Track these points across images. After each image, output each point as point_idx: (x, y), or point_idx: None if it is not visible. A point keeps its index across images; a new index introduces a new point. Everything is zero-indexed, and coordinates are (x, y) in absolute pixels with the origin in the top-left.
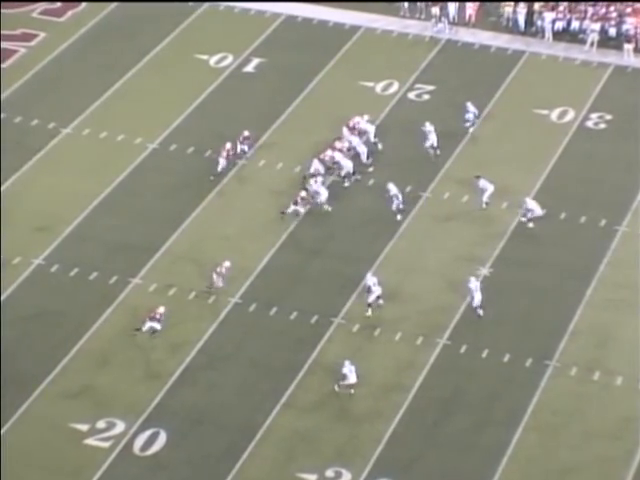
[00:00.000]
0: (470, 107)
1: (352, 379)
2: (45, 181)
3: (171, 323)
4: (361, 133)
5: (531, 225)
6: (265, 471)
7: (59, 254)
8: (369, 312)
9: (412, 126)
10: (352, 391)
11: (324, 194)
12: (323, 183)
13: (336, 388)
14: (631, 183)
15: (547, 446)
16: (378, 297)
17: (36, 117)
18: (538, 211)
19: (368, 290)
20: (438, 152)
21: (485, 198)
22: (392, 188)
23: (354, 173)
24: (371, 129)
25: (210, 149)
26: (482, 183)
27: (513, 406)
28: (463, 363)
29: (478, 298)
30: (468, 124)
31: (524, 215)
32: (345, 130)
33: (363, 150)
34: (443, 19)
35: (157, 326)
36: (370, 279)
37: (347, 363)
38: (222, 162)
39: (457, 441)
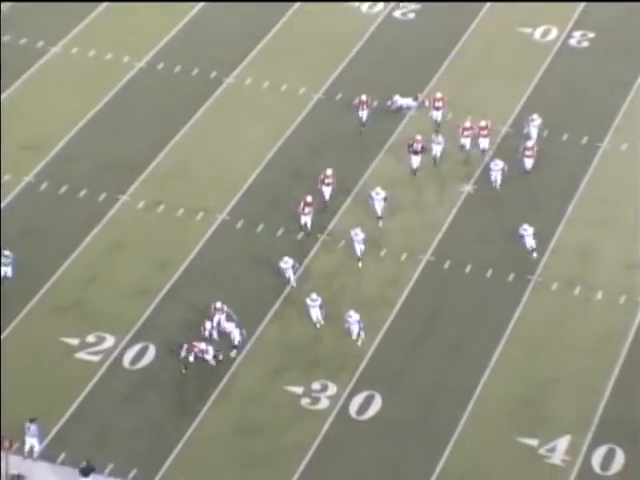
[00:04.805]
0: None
1: None
2: (33, 100)
3: (159, 240)
4: None
5: None
6: (253, 384)
7: (48, 172)
8: None
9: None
10: None
11: None
12: None
13: None
14: (613, 101)
15: (529, 358)
16: None
17: (24, 36)
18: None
19: None
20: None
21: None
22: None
23: None
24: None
25: (197, 68)
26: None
27: (496, 320)
28: (446, 279)
29: None
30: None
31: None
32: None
33: None
34: None
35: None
36: None
37: None
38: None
39: (441, 354)
